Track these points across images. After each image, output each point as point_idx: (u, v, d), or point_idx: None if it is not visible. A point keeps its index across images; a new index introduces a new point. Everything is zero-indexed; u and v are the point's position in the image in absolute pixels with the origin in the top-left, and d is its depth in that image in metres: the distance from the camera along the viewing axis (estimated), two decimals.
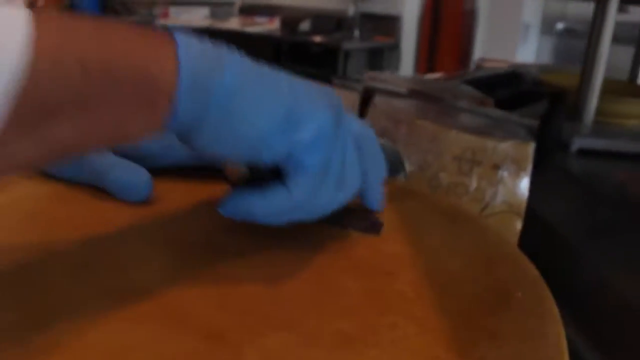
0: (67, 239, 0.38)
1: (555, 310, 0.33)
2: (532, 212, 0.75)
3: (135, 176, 0.43)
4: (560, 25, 3.23)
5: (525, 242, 0.73)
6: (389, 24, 3.84)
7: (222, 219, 0.41)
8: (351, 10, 3.93)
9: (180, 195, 0.45)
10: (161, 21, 4.24)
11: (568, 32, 3.13)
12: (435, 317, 0.32)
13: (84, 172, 0.45)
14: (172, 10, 4.45)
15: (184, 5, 4.51)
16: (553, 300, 0.34)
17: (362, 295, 0.33)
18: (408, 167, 0.85)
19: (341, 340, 0.29)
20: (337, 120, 0.34)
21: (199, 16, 4.50)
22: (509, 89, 1.41)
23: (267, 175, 0.35)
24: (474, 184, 0.75)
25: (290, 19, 4.11)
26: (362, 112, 1.02)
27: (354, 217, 0.43)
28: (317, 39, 3.73)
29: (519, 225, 0.74)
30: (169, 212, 0.42)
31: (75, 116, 0.26)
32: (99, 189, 0.45)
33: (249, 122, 0.31)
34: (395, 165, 0.47)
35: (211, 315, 0.31)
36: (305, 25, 4.05)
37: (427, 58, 3.88)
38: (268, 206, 0.34)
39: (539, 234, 0.76)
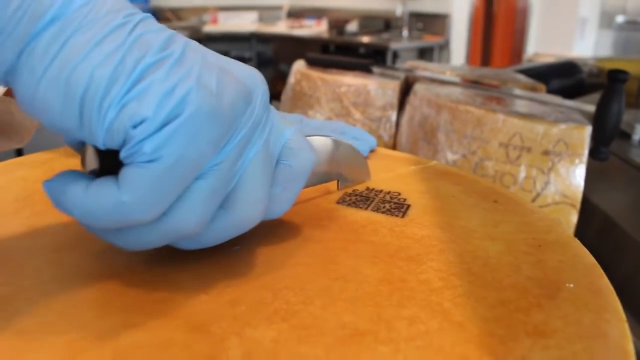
0: (57, 222, 0.34)
1: (617, 305, 0.27)
2: (589, 204, 0.67)
3: None
4: (620, 19, 3.07)
5: (581, 236, 0.66)
6: (438, 22, 3.75)
7: None
8: (399, 10, 3.85)
9: None
10: (211, 27, 4.27)
11: (629, 24, 2.98)
12: (465, 310, 0.26)
13: None
14: (221, 15, 4.48)
15: (232, 10, 4.54)
16: (614, 293, 0.28)
17: (379, 283, 0.28)
18: (450, 155, 0.79)
19: (347, 334, 0.24)
20: (229, 113, 0.25)
21: (247, 21, 4.52)
22: (564, 79, 1.32)
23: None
24: (522, 172, 0.68)
25: (338, 21, 4.06)
26: (403, 100, 0.97)
27: (375, 196, 0.38)
28: (365, 39, 3.67)
29: (574, 218, 0.67)
30: None
31: None
32: None
33: (86, 63, 0.22)
34: (360, 170, 0.41)
35: (196, 303, 0.26)
36: (352, 26, 4.00)
37: (479, 56, 3.76)
38: (85, 202, 0.24)
39: (597, 227, 0.68)
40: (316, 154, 0.31)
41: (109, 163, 0.25)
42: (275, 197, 0.29)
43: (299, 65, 1.10)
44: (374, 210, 0.36)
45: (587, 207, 0.70)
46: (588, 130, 0.66)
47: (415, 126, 0.80)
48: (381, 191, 0.39)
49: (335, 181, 0.39)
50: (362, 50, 3.63)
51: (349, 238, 0.33)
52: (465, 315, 0.26)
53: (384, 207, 0.37)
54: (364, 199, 0.38)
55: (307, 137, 0.32)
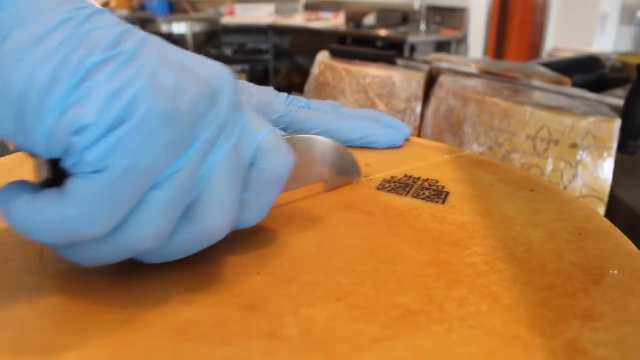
0: None
1: None
2: (615, 198, 0.67)
3: None
4: None
5: None
6: (456, 16, 3.73)
7: None
8: (417, 4, 3.84)
9: None
10: (228, 19, 4.28)
11: None
12: (512, 294, 0.26)
13: None
14: (238, 8, 4.49)
15: (249, 2, 4.55)
16: None
17: (426, 266, 0.29)
18: (476, 148, 0.79)
19: (400, 314, 0.25)
20: (188, 115, 0.23)
21: (264, 13, 4.53)
22: (587, 74, 1.31)
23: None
24: (550, 165, 0.68)
25: (355, 14, 4.06)
26: (428, 92, 0.97)
27: (414, 184, 0.38)
28: (383, 32, 3.66)
29: (601, 211, 0.67)
30: None
31: None
32: None
33: (25, 62, 0.20)
34: (348, 170, 0.39)
35: (250, 282, 0.27)
36: (370, 20, 3.99)
37: (496, 51, 3.75)
38: (29, 215, 0.21)
39: (623, 222, 0.68)
40: (294, 155, 0.29)
41: (64, 173, 0.22)
42: (248, 204, 0.27)
43: (323, 57, 1.10)
44: (414, 197, 0.37)
45: (613, 202, 0.70)
46: (617, 123, 0.66)
47: (441, 118, 0.81)
48: (419, 178, 0.40)
49: (322, 183, 0.37)
50: (379, 43, 3.62)
51: (393, 223, 0.33)
52: (513, 298, 0.26)
53: (423, 194, 0.37)
54: (403, 186, 0.38)
55: (285, 137, 0.30)
